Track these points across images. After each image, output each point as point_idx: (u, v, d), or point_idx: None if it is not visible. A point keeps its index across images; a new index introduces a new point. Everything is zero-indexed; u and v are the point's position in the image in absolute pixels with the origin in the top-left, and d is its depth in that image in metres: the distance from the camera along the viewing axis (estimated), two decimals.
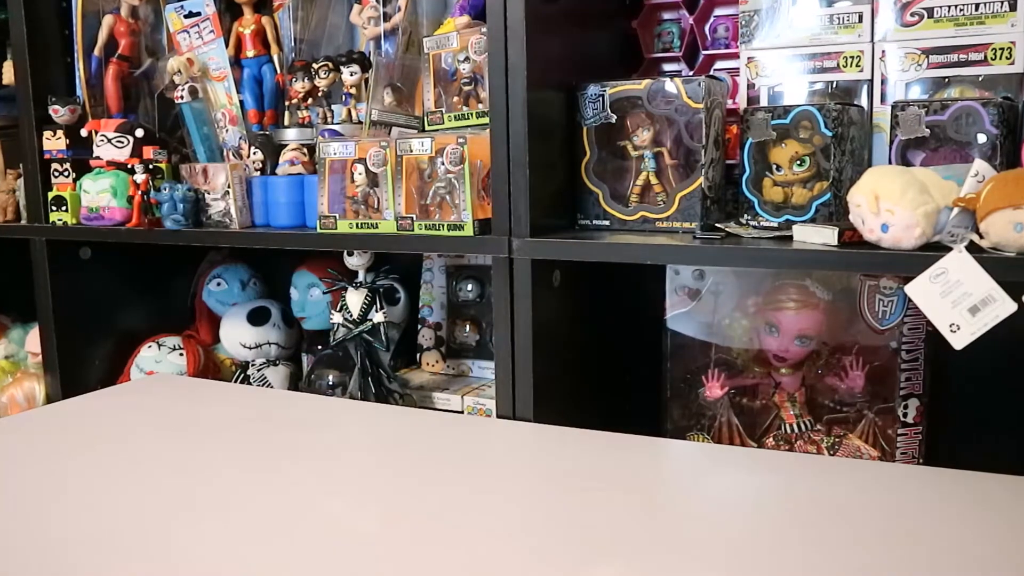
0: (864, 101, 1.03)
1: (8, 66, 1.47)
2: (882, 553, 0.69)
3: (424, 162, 1.09)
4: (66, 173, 1.39)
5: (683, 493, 0.86)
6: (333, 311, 1.27)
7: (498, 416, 1.07)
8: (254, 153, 1.29)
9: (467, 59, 1.11)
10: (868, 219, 0.85)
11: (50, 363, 1.47)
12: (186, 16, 1.32)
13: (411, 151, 1.09)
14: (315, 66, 1.26)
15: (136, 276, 1.55)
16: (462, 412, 1.24)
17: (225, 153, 1.33)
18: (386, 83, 1.19)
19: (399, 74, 1.21)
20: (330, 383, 1.24)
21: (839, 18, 1.03)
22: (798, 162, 0.97)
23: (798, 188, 0.98)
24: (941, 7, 0.98)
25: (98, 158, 1.35)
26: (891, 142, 0.95)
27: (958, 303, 0.80)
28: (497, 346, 1.05)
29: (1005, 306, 0.79)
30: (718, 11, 1.19)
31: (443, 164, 1.06)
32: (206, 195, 1.29)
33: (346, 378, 1.23)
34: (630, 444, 0.97)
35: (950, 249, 0.80)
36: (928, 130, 0.93)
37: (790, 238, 0.93)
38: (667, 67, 1.24)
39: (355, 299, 1.25)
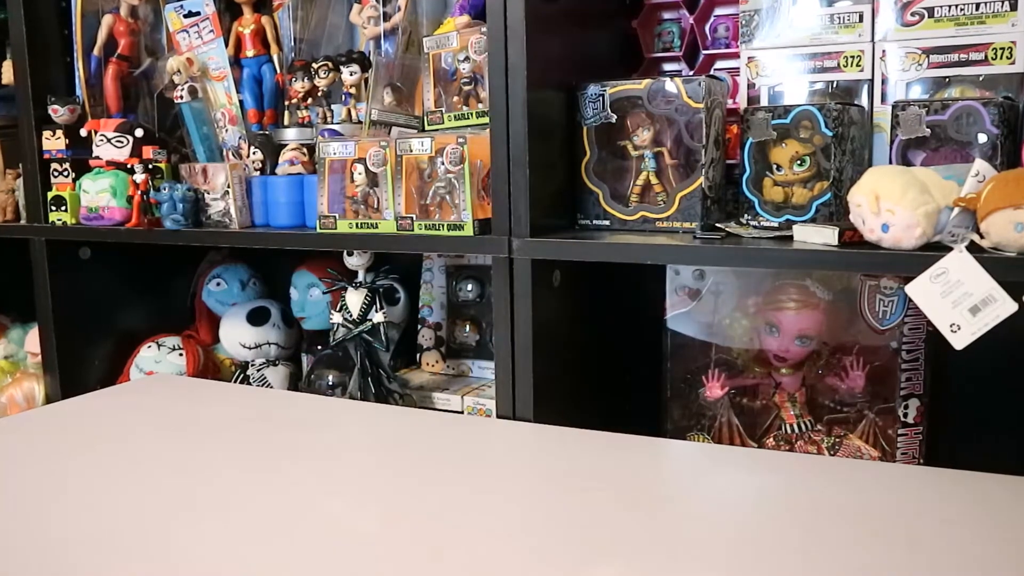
0: (864, 101, 1.03)
1: (7, 66, 1.47)
2: (882, 553, 0.69)
3: (424, 162, 1.09)
4: (65, 173, 1.39)
5: (683, 493, 0.86)
6: (333, 311, 1.27)
7: (498, 416, 1.07)
8: (254, 153, 1.28)
9: (467, 59, 1.11)
10: (868, 219, 0.84)
11: (49, 363, 1.47)
12: (186, 16, 1.32)
13: (411, 151, 1.09)
14: (315, 66, 1.26)
15: (136, 276, 1.55)
16: (462, 412, 1.24)
17: (225, 153, 1.33)
18: (386, 83, 1.19)
19: (399, 74, 1.20)
20: (330, 383, 1.24)
21: (839, 18, 1.03)
22: (798, 162, 0.97)
23: (798, 188, 0.98)
24: (941, 7, 0.98)
25: (98, 158, 1.35)
26: (892, 142, 0.95)
27: (959, 303, 0.80)
28: (497, 346, 1.05)
29: (1006, 306, 0.79)
30: (718, 11, 1.19)
31: (443, 164, 1.06)
32: (206, 195, 1.28)
33: (346, 378, 1.23)
34: (630, 444, 0.97)
35: (951, 249, 0.80)
36: (929, 130, 0.93)
37: (790, 238, 0.93)
38: (667, 67, 1.24)
39: (355, 299, 1.25)
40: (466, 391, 1.27)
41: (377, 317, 1.24)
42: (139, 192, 1.32)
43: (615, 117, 1.05)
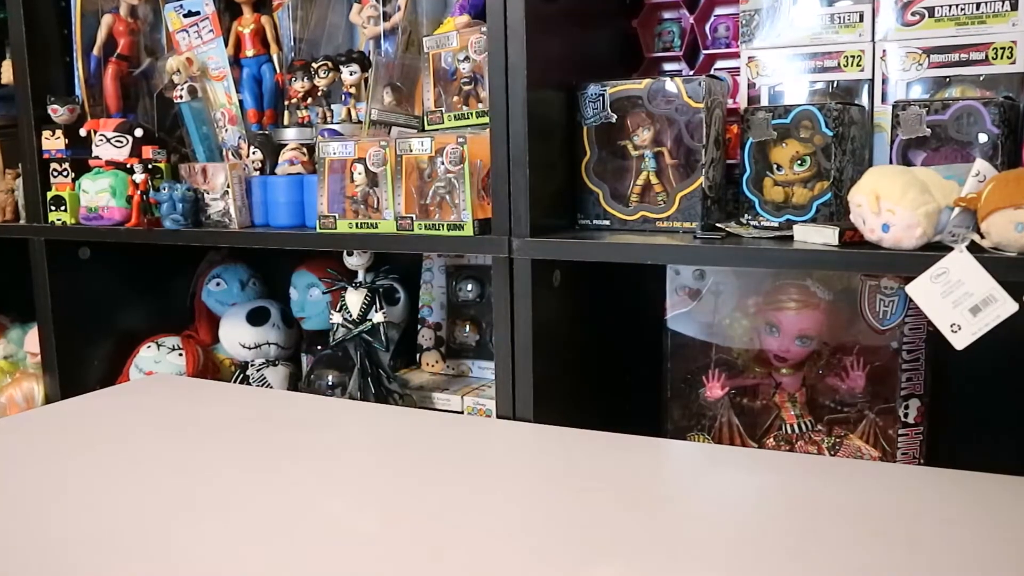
0: (865, 101, 1.03)
1: (7, 65, 1.47)
2: (882, 553, 0.69)
3: (424, 162, 1.08)
4: (65, 173, 1.39)
5: (683, 493, 0.86)
6: (333, 311, 1.27)
7: (498, 416, 1.06)
8: (253, 153, 1.28)
9: (467, 58, 1.11)
10: (869, 219, 0.84)
11: (49, 363, 1.47)
12: (185, 15, 1.32)
13: (411, 151, 1.09)
14: (314, 65, 1.25)
15: (135, 276, 1.55)
16: (462, 412, 1.24)
17: (224, 153, 1.33)
18: (386, 82, 1.19)
19: (399, 73, 1.20)
20: (330, 383, 1.24)
21: (840, 17, 1.03)
22: (799, 162, 0.97)
23: (799, 188, 0.98)
24: (942, 6, 0.97)
25: (97, 158, 1.35)
26: (892, 142, 0.95)
27: (959, 303, 0.80)
28: (497, 346, 1.05)
29: (1006, 306, 0.79)
30: (718, 10, 1.19)
31: (443, 164, 1.06)
32: (205, 195, 1.28)
33: (346, 378, 1.23)
34: (630, 444, 0.97)
35: (951, 249, 0.80)
36: (929, 130, 0.93)
37: (791, 238, 0.93)
38: (667, 66, 1.23)
39: (355, 299, 1.25)
40: (466, 391, 1.27)
41: (377, 317, 1.24)
42: (139, 192, 1.31)
43: (615, 117, 1.05)
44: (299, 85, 1.27)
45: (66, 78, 1.44)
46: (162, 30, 1.39)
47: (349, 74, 1.23)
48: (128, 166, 1.34)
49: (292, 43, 1.32)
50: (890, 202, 0.82)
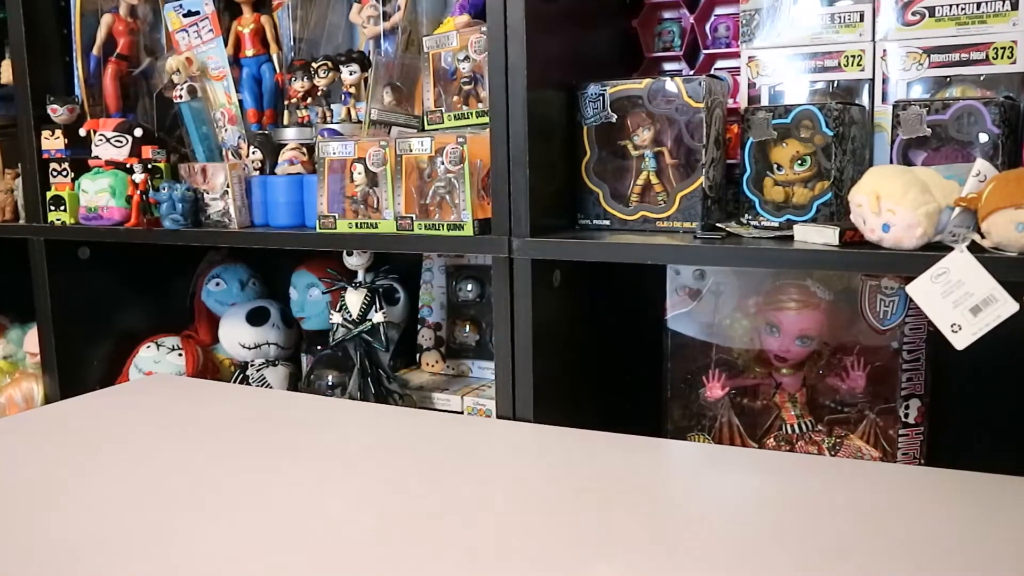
0: (865, 100, 1.03)
1: (6, 65, 1.46)
2: (883, 553, 0.69)
3: (424, 162, 1.08)
4: (64, 173, 1.39)
5: (683, 493, 0.86)
6: (332, 311, 1.27)
7: (498, 416, 1.06)
8: (253, 153, 1.28)
9: (467, 58, 1.11)
10: (869, 219, 0.84)
11: (48, 363, 1.47)
12: (185, 15, 1.32)
13: (411, 150, 1.09)
14: (314, 65, 1.25)
15: (135, 276, 1.55)
16: (462, 412, 1.23)
17: (224, 153, 1.33)
18: (386, 82, 1.19)
19: (399, 73, 1.20)
20: (329, 383, 1.24)
21: (840, 17, 1.03)
22: (799, 162, 0.97)
23: (799, 188, 0.98)
24: (942, 6, 0.97)
25: (97, 157, 1.35)
26: (892, 141, 0.95)
27: (959, 303, 0.80)
28: (497, 346, 1.05)
29: (1007, 306, 0.79)
30: (719, 10, 1.19)
31: (443, 164, 1.06)
32: (205, 195, 1.28)
33: (345, 378, 1.23)
34: (630, 444, 0.97)
35: (951, 249, 0.80)
36: (929, 129, 0.93)
37: (791, 238, 0.93)
38: (668, 66, 1.23)
39: (354, 299, 1.25)
40: (466, 391, 1.27)
41: (377, 317, 1.24)
42: (138, 192, 1.31)
43: (615, 117, 1.05)
44: (299, 85, 1.27)
45: (66, 78, 1.44)
46: (162, 30, 1.39)
47: (349, 74, 1.23)
48: (128, 166, 1.33)
49: (292, 43, 1.32)
50: (891, 202, 0.82)
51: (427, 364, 1.40)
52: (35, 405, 1.52)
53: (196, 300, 1.57)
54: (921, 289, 0.82)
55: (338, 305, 1.26)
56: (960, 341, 0.81)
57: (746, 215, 1.01)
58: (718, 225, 0.99)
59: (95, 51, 1.40)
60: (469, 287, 1.36)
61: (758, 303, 1.11)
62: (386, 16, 1.23)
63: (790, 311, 1.08)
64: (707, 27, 1.19)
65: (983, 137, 0.90)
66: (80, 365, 1.48)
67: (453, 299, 1.38)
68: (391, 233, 1.10)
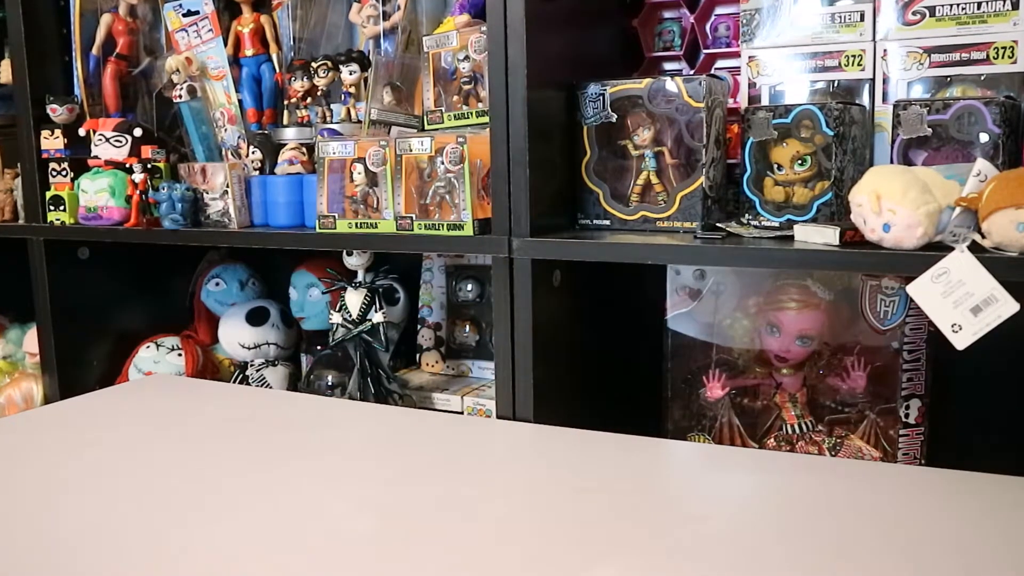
0: (866, 100, 1.02)
1: (6, 65, 1.46)
2: (884, 554, 0.69)
3: (424, 161, 1.08)
4: (64, 172, 1.38)
5: (683, 494, 0.86)
6: (332, 311, 1.27)
7: (498, 417, 1.06)
8: (253, 152, 1.28)
9: (467, 58, 1.11)
10: (870, 219, 0.84)
11: (48, 363, 1.47)
12: (184, 15, 1.32)
13: (411, 150, 1.08)
14: (314, 65, 1.25)
15: (134, 276, 1.55)
16: (462, 413, 1.23)
17: (224, 152, 1.33)
18: (385, 82, 1.19)
19: (398, 73, 1.20)
20: (329, 383, 1.24)
21: (841, 17, 1.02)
22: (799, 161, 0.97)
23: (799, 188, 0.97)
24: (943, 6, 0.97)
25: (96, 157, 1.35)
26: (893, 141, 0.95)
27: (960, 303, 0.80)
28: (497, 346, 1.05)
29: (1007, 306, 0.79)
30: (719, 10, 1.19)
31: (443, 163, 1.06)
32: (205, 195, 1.28)
33: (345, 378, 1.22)
34: (630, 445, 0.97)
35: (952, 249, 0.80)
36: (930, 129, 0.92)
37: (791, 238, 0.93)
38: (668, 66, 1.23)
39: (354, 299, 1.25)
40: (466, 391, 1.26)
41: (377, 317, 1.24)
42: (138, 192, 1.31)
43: (615, 116, 1.05)
44: (298, 85, 1.27)
45: (65, 78, 1.44)
46: (161, 29, 1.39)
47: (349, 73, 1.23)
48: (127, 166, 1.33)
49: (291, 42, 1.32)
50: (891, 202, 0.82)
51: (427, 364, 1.39)
52: (34, 405, 1.52)
53: (196, 300, 1.57)
54: (922, 289, 0.81)
55: (338, 305, 1.26)
56: (961, 341, 0.81)
57: (746, 215, 1.00)
58: (718, 225, 0.99)
59: (95, 51, 1.40)
60: (469, 287, 1.36)
61: (758, 303, 1.11)
62: (386, 16, 1.23)
63: (790, 311, 1.08)
64: (707, 27, 1.19)
65: (984, 137, 0.90)
66: (80, 365, 1.48)
67: (453, 299, 1.38)
68: (391, 233, 1.10)
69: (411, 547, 0.73)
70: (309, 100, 1.27)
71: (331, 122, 1.25)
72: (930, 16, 0.98)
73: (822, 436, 1.08)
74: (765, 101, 1.08)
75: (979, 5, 0.96)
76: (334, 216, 1.14)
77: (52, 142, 1.38)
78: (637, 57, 1.23)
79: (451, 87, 1.13)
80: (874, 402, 1.06)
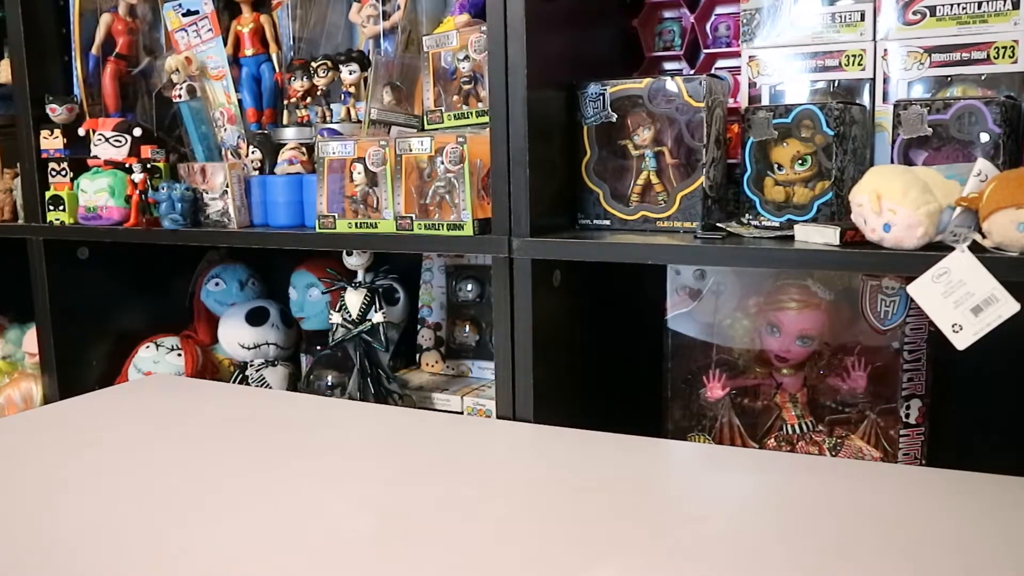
0: (866, 100, 1.02)
1: (5, 65, 1.46)
2: (884, 554, 0.69)
3: (424, 161, 1.08)
4: (63, 172, 1.38)
5: (683, 494, 0.86)
6: (332, 311, 1.27)
7: (498, 417, 1.06)
8: (252, 152, 1.28)
9: (467, 58, 1.10)
10: (870, 219, 0.84)
11: (47, 364, 1.46)
12: (184, 15, 1.32)
13: (410, 150, 1.08)
14: (314, 65, 1.25)
15: (134, 276, 1.55)
16: (462, 413, 1.23)
17: (223, 152, 1.33)
18: (385, 82, 1.19)
19: (398, 73, 1.20)
20: (329, 384, 1.23)
21: (841, 16, 1.02)
22: (800, 161, 0.97)
23: (800, 187, 0.97)
24: (943, 5, 0.97)
25: (96, 157, 1.35)
26: (893, 141, 0.95)
27: (961, 303, 0.80)
28: (497, 346, 1.05)
29: (1008, 306, 0.79)
30: (719, 9, 1.19)
31: (443, 163, 1.06)
32: (204, 194, 1.28)
33: (345, 379, 1.22)
34: (630, 445, 0.96)
35: (952, 249, 0.80)
36: (931, 129, 0.92)
37: (792, 238, 0.93)
38: (668, 66, 1.23)
39: (354, 299, 1.25)
40: (466, 391, 1.26)
41: (376, 317, 1.23)
42: (137, 192, 1.31)
43: (616, 116, 1.05)
44: (298, 84, 1.27)
45: (64, 77, 1.44)
46: (161, 29, 1.39)
47: (348, 73, 1.22)
48: (127, 165, 1.33)
49: (291, 42, 1.32)
50: (891, 202, 0.82)
51: (427, 364, 1.39)
52: (34, 405, 1.51)
53: (195, 300, 1.57)
54: (922, 289, 0.81)
55: (338, 305, 1.26)
56: (961, 341, 0.81)
57: (747, 215, 1.00)
58: (719, 225, 0.99)
59: (94, 50, 1.40)
60: (469, 287, 1.36)
61: (759, 303, 1.11)
62: (386, 15, 1.23)
63: (791, 311, 1.08)
64: (707, 26, 1.19)
65: (984, 137, 0.90)
66: (79, 365, 1.48)
67: (453, 299, 1.38)
68: (391, 233, 1.10)
69: (411, 547, 0.73)
70: (309, 100, 1.27)
71: (331, 122, 1.25)
72: (930, 16, 0.98)
73: (822, 436, 1.08)
74: (765, 101, 1.08)
75: (979, 5, 0.96)
76: (334, 216, 1.14)
77: (51, 142, 1.38)
78: (637, 57, 1.23)
79: (451, 87, 1.13)
80: (874, 402, 1.06)
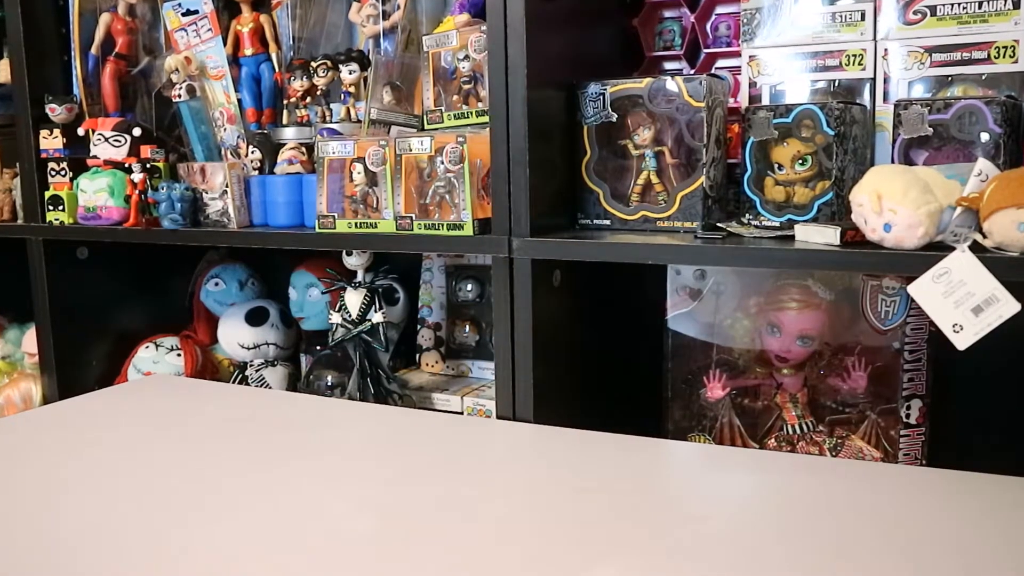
0: (867, 100, 1.02)
1: (4, 64, 1.46)
2: (884, 554, 0.69)
3: (423, 161, 1.08)
4: (63, 172, 1.38)
5: (684, 494, 0.86)
6: (332, 311, 1.27)
7: (498, 417, 1.06)
8: (252, 152, 1.28)
9: (467, 57, 1.10)
10: (870, 219, 0.84)
11: (47, 364, 1.46)
12: (184, 14, 1.32)
13: (410, 150, 1.08)
14: (314, 64, 1.25)
15: (134, 276, 1.55)
16: (462, 413, 1.23)
17: (223, 152, 1.33)
18: (385, 82, 1.19)
19: (398, 72, 1.20)
20: (329, 384, 1.23)
21: (841, 16, 1.02)
22: (800, 161, 0.97)
23: (800, 187, 0.97)
24: (944, 5, 0.97)
25: (95, 157, 1.34)
26: (894, 141, 0.95)
27: (961, 303, 0.80)
28: (497, 346, 1.05)
29: (1008, 306, 0.79)
30: (719, 9, 1.19)
31: (443, 163, 1.06)
32: (204, 194, 1.28)
33: (345, 379, 1.22)
34: (630, 445, 0.96)
35: (953, 249, 0.80)
36: (931, 129, 0.92)
37: (792, 238, 0.93)
38: (668, 65, 1.23)
39: (354, 299, 1.24)
40: (466, 391, 1.26)
41: (376, 317, 1.23)
42: (137, 191, 1.31)
43: (616, 116, 1.05)
44: (298, 84, 1.27)
45: (64, 77, 1.44)
46: (160, 29, 1.39)
47: (348, 73, 1.22)
48: (126, 165, 1.33)
49: (291, 42, 1.31)
50: (892, 202, 0.82)
51: (427, 364, 1.39)
52: (33, 405, 1.51)
53: (195, 300, 1.57)
54: (923, 289, 0.81)
55: (337, 305, 1.26)
56: (962, 341, 0.81)
57: (747, 215, 1.00)
58: (719, 225, 0.99)
59: (94, 50, 1.40)
60: (469, 287, 1.36)
61: (759, 303, 1.11)
62: (386, 15, 1.23)
63: (791, 311, 1.08)
64: (708, 26, 1.19)
65: (985, 136, 0.90)
66: (79, 365, 1.48)
67: (453, 299, 1.38)
68: (391, 233, 1.10)
69: (411, 547, 0.73)
70: (308, 100, 1.27)
71: (331, 122, 1.24)
72: (931, 15, 0.98)
73: (823, 436, 1.08)
74: (766, 101, 1.08)
75: (980, 4, 0.95)
76: (334, 216, 1.14)
77: (51, 142, 1.38)
78: (637, 57, 1.23)
79: (451, 87, 1.13)
80: (875, 402, 1.06)
